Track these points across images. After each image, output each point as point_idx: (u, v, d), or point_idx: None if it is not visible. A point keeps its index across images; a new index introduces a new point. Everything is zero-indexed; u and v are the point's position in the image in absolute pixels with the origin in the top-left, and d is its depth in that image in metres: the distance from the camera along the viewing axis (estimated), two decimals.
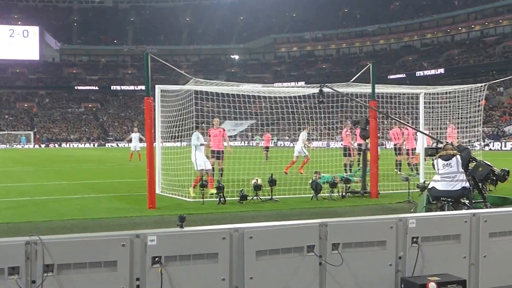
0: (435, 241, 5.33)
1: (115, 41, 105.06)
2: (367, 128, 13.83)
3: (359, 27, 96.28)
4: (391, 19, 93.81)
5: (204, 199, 12.32)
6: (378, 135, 18.00)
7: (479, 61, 74.73)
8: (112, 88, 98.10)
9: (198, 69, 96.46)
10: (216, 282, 4.60)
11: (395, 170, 19.18)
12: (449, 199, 9.07)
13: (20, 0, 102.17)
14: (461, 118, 16.65)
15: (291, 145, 31.25)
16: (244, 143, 49.35)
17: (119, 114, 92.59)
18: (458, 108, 16.63)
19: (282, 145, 43.12)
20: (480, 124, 16.39)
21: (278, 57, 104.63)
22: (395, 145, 19.96)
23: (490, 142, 50.06)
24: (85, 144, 77.96)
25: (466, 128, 16.61)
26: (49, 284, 4.16)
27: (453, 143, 11.42)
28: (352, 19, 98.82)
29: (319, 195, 13.00)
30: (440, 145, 10.36)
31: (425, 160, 15.76)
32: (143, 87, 15.86)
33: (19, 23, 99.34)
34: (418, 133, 17.10)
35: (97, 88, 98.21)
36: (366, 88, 15.01)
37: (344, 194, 13.40)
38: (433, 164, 9.61)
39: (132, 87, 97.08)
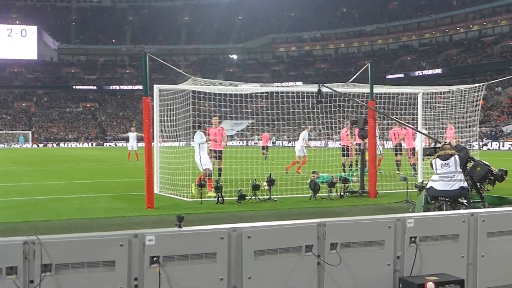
0: (433, 240, 5.34)
1: (113, 40, 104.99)
2: (365, 128, 13.84)
3: (357, 27, 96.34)
4: (389, 19, 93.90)
5: (203, 199, 12.32)
6: (377, 135, 18.05)
7: (477, 61, 74.83)
8: (110, 88, 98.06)
9: (197, 68, 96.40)
10: (214, 282, 4.60)
11: (397, 171, 19.16)
12: (447, 199, 9.08)
13: None
14: (460, 118, 16.67)
15: (289, 144, 31.27)
16: (243, 142, 49.34)
17: (118, 114, 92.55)
18: (457, 108, 16.65)
19: (281, 144, 43.14)
20: (477, 124, 16.41)
21: (277, 56, 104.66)
22: (395, 145, 19.95)
23: (488, 142, 50.12)
24: (83, 143, 77.91)
25: (465, 128, 16.64)
26: (47, 284, 4.16)
27: (452, 143, 11.44)
28: (351, 19, 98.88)
29: (317, 194, 13.00)
30: (438, 145, 10.37)
31: (423, 160, 15.78)
32: (141, 87, 15.95)
33: (17, 22, 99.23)
34: (417, 133, 17.11)
35: (95, 87, 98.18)
36: (364, 88, 15.02)
37: (342, 193, 13.41)
38: (431, 164, 9.62)
39: (130, 87, 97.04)
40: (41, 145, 74.99)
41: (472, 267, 5.46)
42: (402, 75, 79.44)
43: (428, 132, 16.73)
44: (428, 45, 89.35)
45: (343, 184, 13.55)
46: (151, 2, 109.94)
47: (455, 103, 16.68)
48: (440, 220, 5.55)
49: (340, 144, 19.75)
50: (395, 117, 15.66)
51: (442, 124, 17.74)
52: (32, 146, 74.67)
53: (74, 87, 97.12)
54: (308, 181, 13.61)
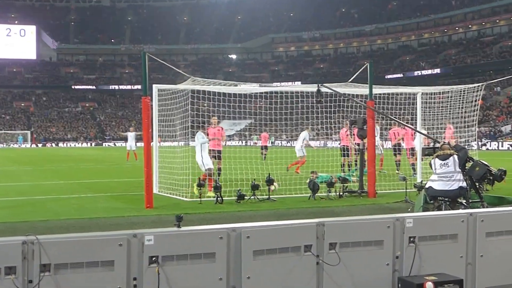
0: (432, 240, 5.34)
1: (112, 40, 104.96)
2: (365, 128, 13.84)
3: (356, 27, 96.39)
4: (388, 19, 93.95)
5: (202, 199, 12.32)
6: (376, 134, 18.04)
7: (476, 61, 74.90)
8: (109, 88, 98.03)
9: (196, 68, 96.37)
10: (213, 281, 4.60)
11: (396, 171, 19.18)
12: (446, 199, 9.08)
13: None
14: (458, 118, 16.68)
15: (288, 144, 31.26)
16: (242, 142, 49.34)
17: (117, 114, 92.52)
18: (456, 108, 16.66)
19: (280, 144, 43.15)
20: (475, 124, 16.42)
21: (276, 56, 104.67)
22: (394, 145, 19.96)
23: (487, 142, 50.16)
24: (82, 143, 77.88)
25: (464, 128, 16.65)
26: (46, 283, 4.15)
27: (451, 143, 11.44)
28: (350, 19, 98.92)
29: (316, 194, 13.00)
30: (437, 145, 10.38)
31: (422, 160, 15.78)
32: (140, 87, 16.00)
33: (16, 22, 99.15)
34: (416, 133, 17.11)
35: (94, 87, 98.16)
36: (363, 88, 15.02)
37: (341, 193, 13.41)
38: (430, 164, 9.62)
39: (129, 87, 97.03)
40: (40, 145, 74.96)
41: (471, 267, 5.46)
42: (401, 75, 79.50)
43: (427, 132, 16.73)
44: (427, 45, 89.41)
45: (342, 184, 13.55)
46: (150, 2, 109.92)
47: (454, 103, 16.69)
48: (439, 220, 5.55)
49: (339, 144, 19.76)
50: (394, 117, 15.67)
51: (441, 124, 17.75)
52: (31, 146, 74.64)
53: (73, 87, 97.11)
54: (307, 181, 13.61)
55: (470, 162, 9.80)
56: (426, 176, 14.13)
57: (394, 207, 11.65)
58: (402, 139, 19.50)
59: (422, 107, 16.38)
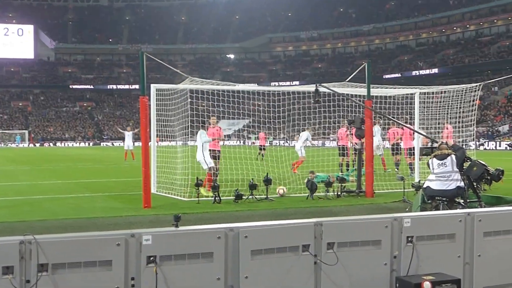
0: (430, 240, 5.34)
1: (110, 40, 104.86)
2: (362, 128, 13.85)
3: (354, 27, 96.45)
4: (386, 18, 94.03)
5: (200, 198, 12.31)
6: (375, 135, 18.05)
7: (474, 60, 75.01)
8: (107, 87, 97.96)
9: (194, 68, 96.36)
10: (211, 281, 4.60)
11: (395, 170, 19.20)
12: (444, 199, 9.09)
13: None
14: (456, 117, 16.69)
15: (286, 144, 31.24)
16: (240, 142, 49.34)
17: (114, 113, 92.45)
18: (453, 108, 16.67)
19: (278, 144, 43.13)
20: (473, 124, 16.44)
21: (274, 56, 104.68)
22: (391, 144, 19.98)
23: (484, 142, 50.23)
24: (80, 143, 77.81)
25: (461, 127, 16.66)
26: (44, 283, 4.14)
27: (449, 142, 11.45)
28: (348, 19, 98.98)
29: (314, 194, 13.01)
30: (435, 145, 10.39)
31: (420, 159, 15.80)
32: (138, 86, 15.94)
33: (14, 21, 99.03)
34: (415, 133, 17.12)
35: (92, 87, 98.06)
36: (361, 89, 15.02)
37: (339, 193, 13.41)
38: (428, 164, 9.63)
39: (127, 86, 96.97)
40: (37, 145, 74.86)
41: (468, 266, 5.47)
42: (399, 75, 79.57)
43: (426, 132, 16.73)
44: (425, 44, 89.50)
45: (340, 184, 13.56)
46: (148, 2, 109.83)
47: (452, 103, 16.70)
48: (436, 219, 5.56)
49: (337, 143, 19.76)
50: (392, 117, 15.68)
51: (439, 124, 17.76)
52: (28, 145, 74.53)
53: (71, 87, 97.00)
54: (305, 180, 13.61)
55: (467, 162, 9.81)
56: (424, 176, 14.15)
57: (392, 207, 11.66)
58: (401, 138, 19.52)
59: (420, 107, 16.38)
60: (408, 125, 16.21)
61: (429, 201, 9.40)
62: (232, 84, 16.76)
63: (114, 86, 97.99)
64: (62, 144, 76.54)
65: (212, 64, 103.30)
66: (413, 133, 18.13)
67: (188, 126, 14.41)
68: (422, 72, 77.35)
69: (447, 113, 17.02)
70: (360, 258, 5.09)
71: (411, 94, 16.72)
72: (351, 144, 18.46)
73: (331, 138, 20.80)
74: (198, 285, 4.56)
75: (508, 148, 47.93)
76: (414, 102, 16.44)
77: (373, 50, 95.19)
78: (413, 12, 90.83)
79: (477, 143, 42.87)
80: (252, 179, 12.93)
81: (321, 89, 12.89)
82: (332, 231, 5.02)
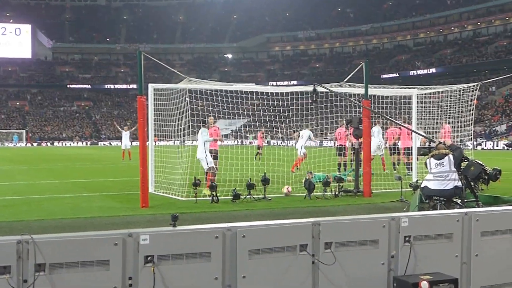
0: (428, 240, 5.35)
1: (108, 39, 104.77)
2: (360, 127, 13.85)
3: (352, 27, 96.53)
4: (384, 18, 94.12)
5: (197, 198, 12.31)
6: (374, 135, 18.06)
7: (471, 60, 75.12)
8: (105, 87, 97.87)
9: (191, 67, 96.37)
10: (209, 281, 4.60)
11: (393, 170, 19.22)
12: (441, 198, 9.10)
13: None
14: (454, 117, 16.71)
15: (284, 144, 31.23)
16: (237, 142, 49.31)
17: (112, 113, 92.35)
18: (451, 108, 16.69)
19: (276, 144, 43.12)
20: (471, 124, 16.46)
21: (272, 56, 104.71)
22: (390, 144, 20.00)
23: (482, 142, 50.31)
24: (77, 142, 77.69)
25: (459, 127, 16.68)
26: (41, 283, 4.14)
27: (447, 142, 11.46)
28: (346, 19, 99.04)
29: (312, 194, 13.01)
30: (432, 144, 10.40)
31: (417, 159, 15.81)
32: (136, 86, 15.89)
33: (11, 21, 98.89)
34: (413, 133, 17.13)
35: (89, 86, 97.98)
36: (359, 88, 15.03)
37: (337, 193, 13.42)
38: (425, 163, 9.64)
39: (125, 86, 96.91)
40: (35, 144, 74.72)
41: (466, 266, 5.48)
42: (397, 75, 79.67)
43: (424, 132, 16.76)
44: (422, 44, 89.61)
45: (337, 184, 13.56)
46: (145, 1, 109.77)
47: (449, 103, 16.72)
48: (434, 219, 5.56)
49: (334, 143, 19.75)
50: (390, 117, 15.69)
51: (437, 123, 17.79)
52: (26, 145, 74.39)
53: (68, 86, 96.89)
54: (303, 180, 13.62)
55: (465, 161, 9.82)
56: (421, 175, 14.16)
57: (390, 207, 11.68)
58: (399, 138, 19.54)
59: (417, 107, 16.40)
60: (406, 125, 16.22)
61: (427, 201, 9.41)
62: (230, 84, 16.75)
63: (112, 86, 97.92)
64: (60, 143, 76.42)
65: (210, 63, 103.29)
66: (411, 133, 18.17)
67: (186, 126, 14.39)
68: (420, 72, 77.45)
69: (445, 113, 17.04)
70: (357, 258, 5.10)
71: (409, 94, 16.73)
72: (351, 144, 18.46)
73: (329, 138, 20.80)
74: (196, 285, 4.56)
75: (506, 148, 48.01)
76: (412, 102, 16.45)
77: (371, 50, 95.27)
78: (410, 12, 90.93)
79: (475, 143, 42.92)
80: (250, 178, 12.93)
81: (319, 89, 12.90)
82: (329, 231, 5.02)
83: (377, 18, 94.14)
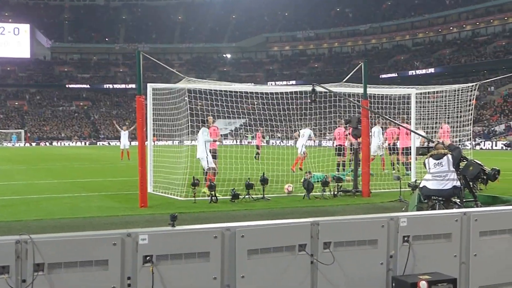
0: (426, 240, 5.35)
1: (106, 39, 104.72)
2: (359, 127, 13.85)
3: (351, 26, 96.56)
4: (383, 18, 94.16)
5: (196, 198, 12.30)
6: (373, 135, 18.06)
7: (470, 60, 75.17)
8: (103, 87, 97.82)
9: (190, 67, 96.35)
10: (207, 281, 4.60)
11: (392, 170, 19.23)
12: (440, 198, 9.10)
13: None
14: (453, 117, 16.73)
15: (283, 143, 31.22)
16: (236, 141, 49.33)
17: (111, 113, 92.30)
18: (450, 108, 16.71)
19: (274, 144, 43.11)
20: (470, 124, 16.48)
21: (270, 56, 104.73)
22: (389, 144, 20.00)
23: (481, 141, 50.34)
24: (76, 142, 77.64)
25: (458, 127, 16.70)
26: (40, 283, 4.14)
27: (445, 142, 11.47)
28: (344, 18, 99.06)
29: (311, 194, 13.01)
30: (431, 144, 10.40)
31: (416, 159, 15.82)
32: (134, 86, 16.04)
33: (10, 20, 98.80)
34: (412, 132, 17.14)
35: (88, 86, 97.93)
36: (358, 88, 15.03)
37: (335, 193, 13.42)
38: (424, 163, 9.64)
39: (123, 86, 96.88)
40: (33, 144, 74.68)
41: (464, 266, 5.48)
42: (396, 75, 79.71)
43: (423, 132, 16.77)
44: (421, 44, 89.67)
45: (336, 183, 13.56)
46: (144, 1, 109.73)
47: (448, 103, 16.74)
48: (433, 219, 5.56)
49: (333, 143, 19.75)
50: (389, 117, 15.70)
51: (436, 123, 17.80)
52: (25, 144, 74.34)
53: (67, 86, 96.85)
54: (302, 180, 13.62)
55: (464, 161, 9.83)
56: (420, 175, 14.17)
57: (388, 207, 11.68)
58: (397, 138, 19.55)
59: (416, 107, 16.41)
60: (405, 125, 16.22)
61: (426, 201, 9.41)
62: (229, 83, 16.75)
63: (111, 86, 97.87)
64: (58, 143, 76.38)
65: (209, 63, 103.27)
66: (410, 133, 18.18)
67: (185, 125, 14.39)
68: (419, 72, 77.48)
69: (444, 113, 17.06)
70: (356, 258, 5.10)
71: (408, 93, 16.74)
72: (350, 144, 18.45)
73: (328, 138, 20.80)
74: (195, 285, 4.56)
75: (504, 147, 48.06)
76: (410, 102, 16.46)
77: (369, 50, 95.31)
78: (409, 12, 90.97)
79: (473, 142, 42.95)
80: (249, 178, 12.92)
81: (318, 89, 12.90)
82: (328, 231, 5.02)
83: (376, 18, 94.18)
